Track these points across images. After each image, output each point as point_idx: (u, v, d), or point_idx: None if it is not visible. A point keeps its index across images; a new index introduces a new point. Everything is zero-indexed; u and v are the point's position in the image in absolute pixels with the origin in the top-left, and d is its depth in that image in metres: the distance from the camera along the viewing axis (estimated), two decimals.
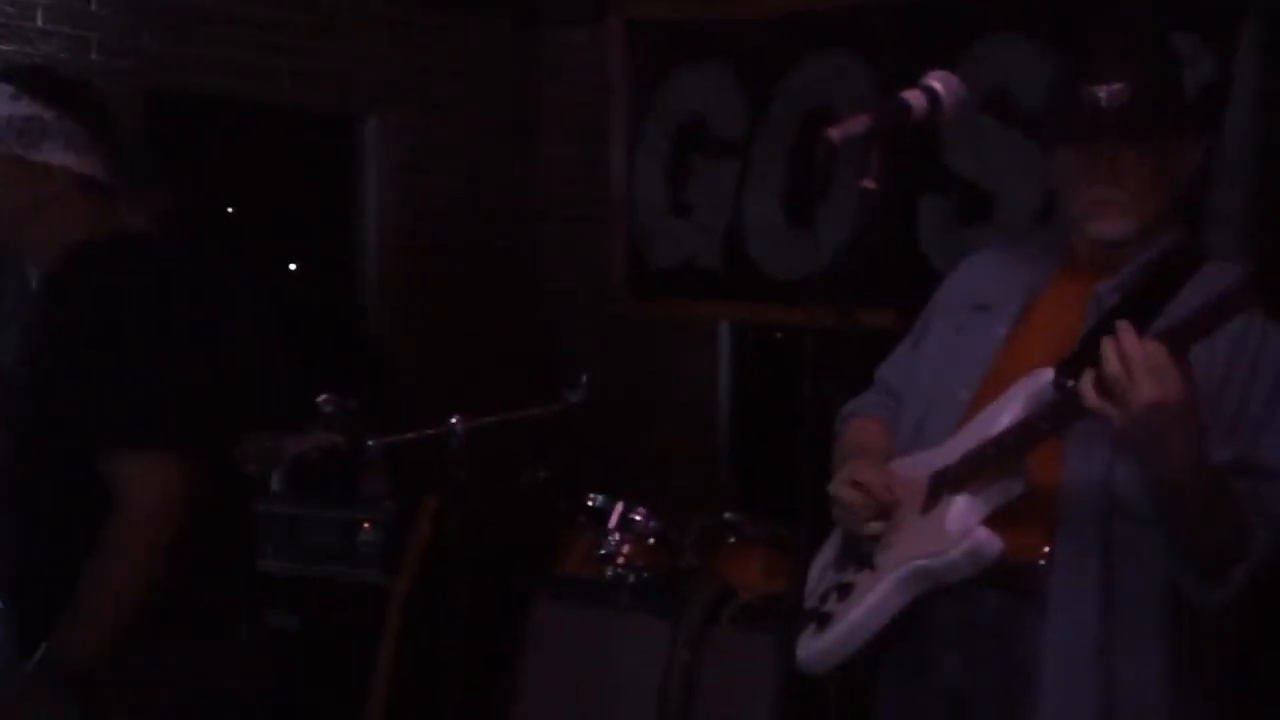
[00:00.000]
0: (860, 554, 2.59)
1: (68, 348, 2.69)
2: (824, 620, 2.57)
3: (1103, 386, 2.15)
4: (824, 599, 2.61)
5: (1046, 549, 2.40)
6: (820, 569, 2.72)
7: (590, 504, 4.67)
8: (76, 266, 2.75)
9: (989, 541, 2.37)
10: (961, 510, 2.41)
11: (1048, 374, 2.39)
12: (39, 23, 4.71)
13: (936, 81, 2.33)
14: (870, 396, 2.87)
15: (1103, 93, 2.41)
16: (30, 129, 2.73)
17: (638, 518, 4.59)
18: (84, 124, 2.79)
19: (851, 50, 5.36)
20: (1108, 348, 2.14)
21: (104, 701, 2.68)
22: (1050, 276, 2.61)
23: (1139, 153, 2.43)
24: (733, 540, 4.51)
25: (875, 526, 2.56)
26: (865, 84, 5.28)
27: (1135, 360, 2.11)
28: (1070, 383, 2.32)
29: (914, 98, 2.31)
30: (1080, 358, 2.34)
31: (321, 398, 4.76)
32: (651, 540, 4.56)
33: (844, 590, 2.58)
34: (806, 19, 5.50)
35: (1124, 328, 2.15)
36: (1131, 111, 2.40)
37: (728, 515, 4.62)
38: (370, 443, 4.65)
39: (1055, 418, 2.34)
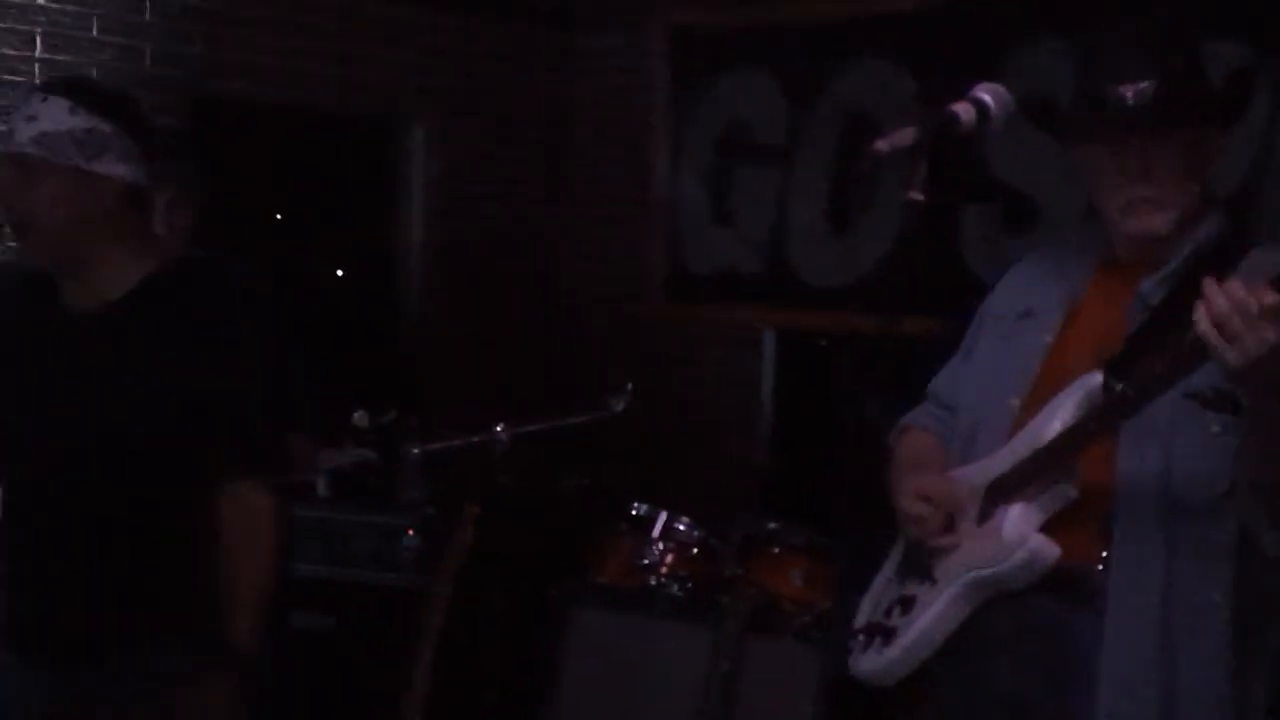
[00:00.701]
0: (921, 567, 2.60)
1: (190, 365, 2.76)
2: (888, 634, 2.58)
3: (1219, 327, 2.08)
4: (888, 613, 2.63)
5: (1104, 553, 2.39)
6: (883, 582, 2.73)
7: (634, 512, 4.66)
8: (194, 283, 2.84)
9: (1045, 548, 2.39)
10: (1017, 518, 2.42)
11: (1096, 377, 2.39)
12: (94, 33, 4.76)
13: (985, 93, 2.33)
14: (924, 409, 2.85)
15: (1128, 91, 2.38)
16: (91, 141, 2.75)
17: (681, 526, 4.57)
18: (135, 136, 2.82)
19: (893, 57, 5.35)
20: (1224, 293, 2.08)
21: (133, 699, 2.78)
22: (1091, 275, 2.59)
23: (1167, 147, 2.40)
24: (775, 549, 4.49)
25: (947, 539, 2.56)
26: (907, 90, 5.27)
27: (1244, 306, 2.06)
28: (1119, 386, 2.32)
29: (962, 110, 2.31)
30: (1127, 357, 2.35)
31: (356, 414, 4.78)
32: (694, 549, 4.55)
33: (906, 603, 2.59)
34: (848, 25, 5.49)
35: (1231, 283, 2.08)
36: (1157, 108, 2.37)
37: (770, 524, 4.59)
38: (415, 450, 4.67)
39: (1104, 419, 2.34)
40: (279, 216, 5.78)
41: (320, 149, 5.75)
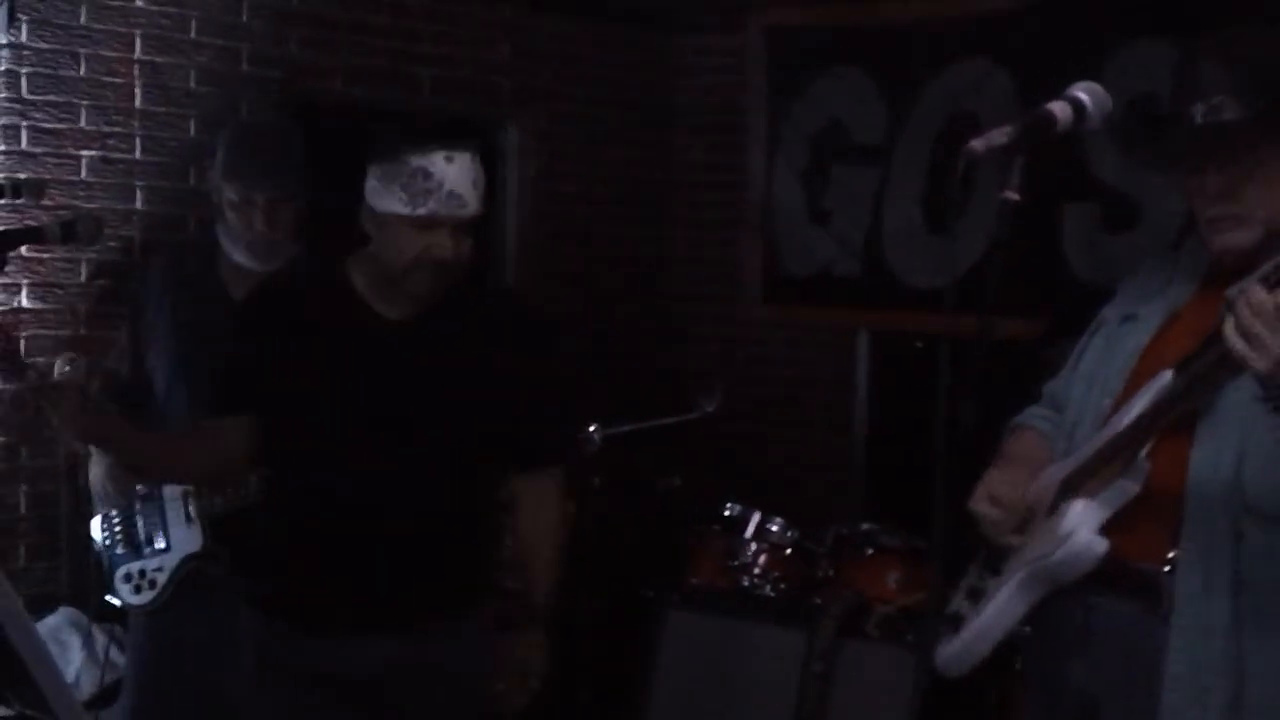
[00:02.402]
0: (995, 560, 2.66)
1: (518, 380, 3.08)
2: (956, 624, 2.64)
3: (1244, 333, 2.10)
4: (961, 603, 2.70)
5: (1171, 554, 2.38)
6: (966, 576, 2.78)
7: (726, 513, 4.65)
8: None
9: (1093, 542, 2.41)
10: (1078, 513, 2.45)
11: (1168, 375, 2.39)
12: (192, 35, 4.80)
13: (1082, 92, 2.31)
14: (1036, 409, 2.89)
15: (1199, 110, 2.38)
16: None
17: (774, 527, 4.56)
18: None
19: (993, 56, 5.30)
20: (1245, 297, 2.10)
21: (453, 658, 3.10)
22: (1196, 285, 2.59)
23: (1249, 163, 2.38)
24: (869, 551, 4.47)
25: (1016, 539, 2.60)
26: (1006, 90, 5.22)
27: (1265, 311, 2.07)
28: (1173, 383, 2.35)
29: (1059, 109, 2.29)
30: (1199, 356, 2.33)
31: None
32: (788, 550, 4.53)
33: (975, 595, 2.66)
34: (947, 25, 5.45)
35: (1252, 286, 2.11)
36: (1231, 127, 2.36)
37: (864, 526, 4.57)
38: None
39: (1159, 414, 2.36)
40: None
41: None
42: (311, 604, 3.02)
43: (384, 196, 2.92)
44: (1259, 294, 2.08)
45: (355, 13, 5.27)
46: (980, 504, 2.64)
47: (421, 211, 2.90)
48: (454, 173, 2.91)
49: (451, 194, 2.90)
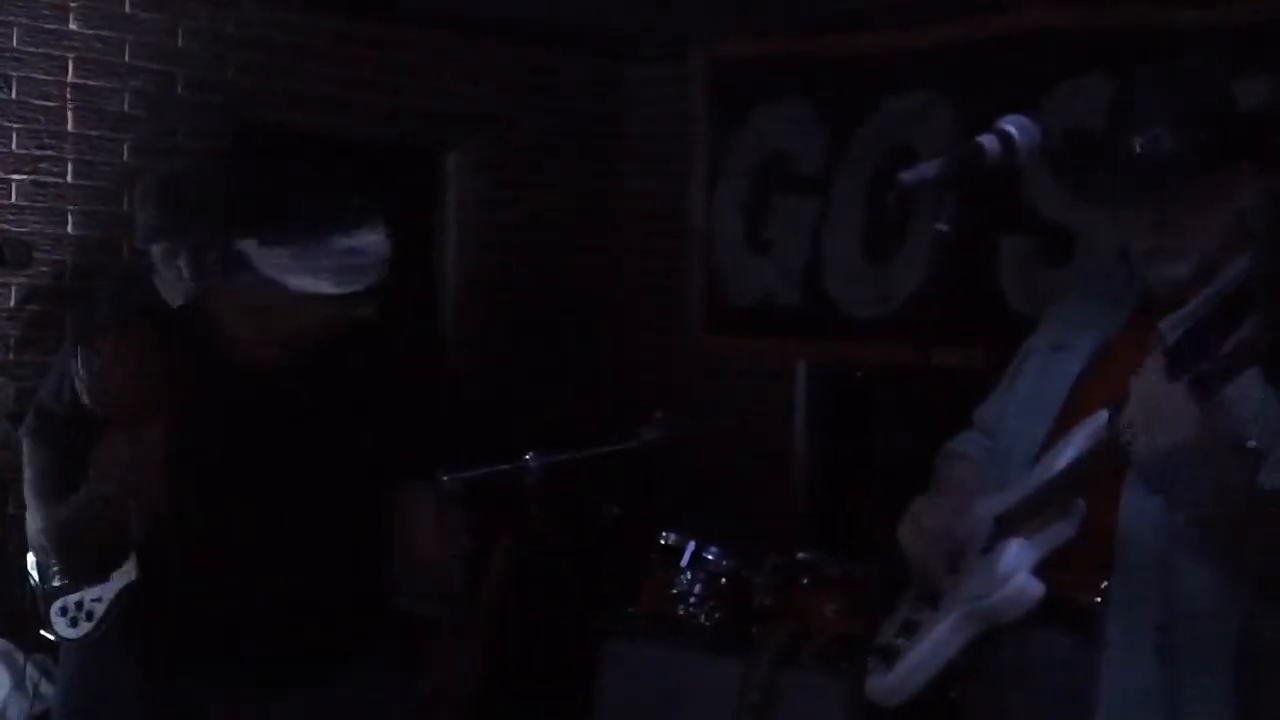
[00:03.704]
0: (931, 592, 2.64)
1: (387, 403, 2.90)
2: (891, 656, 2.63)
3: (1127, 419, 2.16)
4: (895, 635, 2.68)
5: (1104, 584, 2.39)
6: (901, 605, 2.76)
7: (662, 542, 4.64)
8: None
9: (1029, 586, 2.43)
10: (1013, 554, 2.46)
11: (1104, 416, 2.39)
12: (126, 58, 4.76)
13: (1011, 125, 2.32)
14: (968, 435, 2.88)
15: (1137, 142, 2.40)
16: None
17: (710, 557, 4.56)
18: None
19: (933, 89, 5.33)
20: (1132, 389, 2.15)
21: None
22: (1127, 315, 2.59)
23: (1185, 196, 2.40)
24: (806, 581, 4.47)
25: (949, 579, 2.58)
26: (947, 123, 5.25)
27: (1152, 402, 2.11)
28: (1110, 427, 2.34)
29: (988, 142, 2.30)
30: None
31: None
32: (724, 580, 4.53)
33: (910, 627, 2.65)
34: (889, 58, 5.48)
35: (1148, 370, 2.15)
36: (1167, 159, 2.38)
37: (801, 555, 4.57)
38: (446, 478, 4.65)
39: (1098, 457, 2.36)
40: None
41: (357, 175, 5.74)
42: (203, 662, 2.85)
43: (299, 275, 2.70)
44: (1150, 380, 2.12)
45: (296, 37, 5.24)
46: (907, 536, 2.61)
47: (357, 288, 2.74)
48: (380, 241, 2.76)
49: (384, 261, 2.77)
